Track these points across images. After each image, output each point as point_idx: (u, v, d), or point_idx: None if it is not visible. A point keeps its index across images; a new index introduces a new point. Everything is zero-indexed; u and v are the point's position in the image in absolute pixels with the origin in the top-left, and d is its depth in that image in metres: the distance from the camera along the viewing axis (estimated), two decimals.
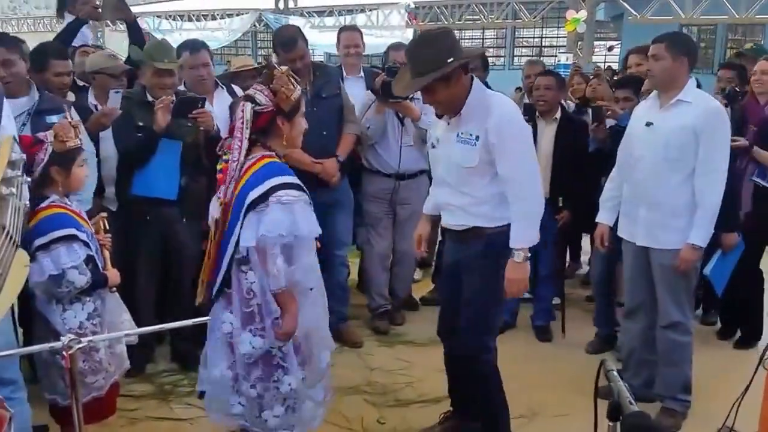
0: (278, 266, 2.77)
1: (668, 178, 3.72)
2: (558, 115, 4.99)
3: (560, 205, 4.99)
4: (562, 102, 5.27)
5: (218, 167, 2.89)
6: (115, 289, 3.34)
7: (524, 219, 3.23)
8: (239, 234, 2.78)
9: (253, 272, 2.83)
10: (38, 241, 3.02)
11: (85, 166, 3.34)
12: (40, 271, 3.02)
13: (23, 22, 21.37)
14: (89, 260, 3.16)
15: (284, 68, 2.89)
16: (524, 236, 3.24)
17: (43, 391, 3.28)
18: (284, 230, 2.74)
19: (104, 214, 3.54)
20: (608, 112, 4.91)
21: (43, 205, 3.11)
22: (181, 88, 4.59)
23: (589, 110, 5.21)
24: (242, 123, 2.78)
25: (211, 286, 2.96)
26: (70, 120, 3.25)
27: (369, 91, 5.01)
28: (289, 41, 4.61)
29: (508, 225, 3.25)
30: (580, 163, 4.90)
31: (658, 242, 3.80)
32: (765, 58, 4.96)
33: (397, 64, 4.81)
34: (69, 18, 5.77)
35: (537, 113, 4.97)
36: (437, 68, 3.10)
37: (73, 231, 3.11)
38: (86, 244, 3.17)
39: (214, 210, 2.92)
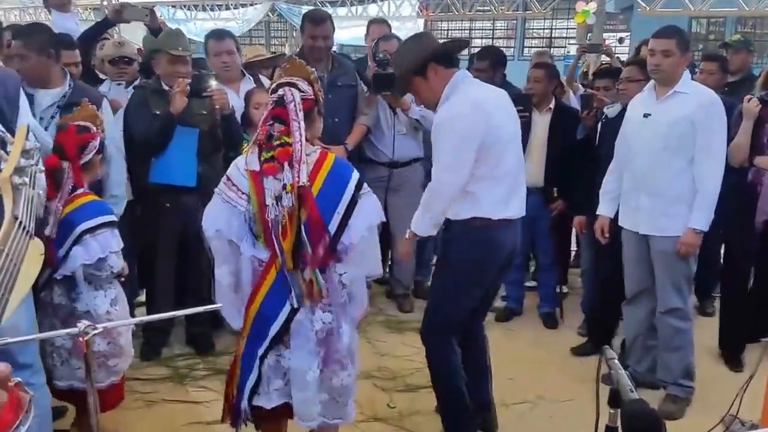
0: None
1: (668, 167, 3.81)
2: (552, 105, 5.07)
3: (554, 195, 5.08)
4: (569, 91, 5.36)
5: (269, 154, 2.76)
6: (123, 279, 3.40)
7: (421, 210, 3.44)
8: (340, 225, 2.81)
9: (341, 264, 2.86)
10: (85, 225, 3.10)
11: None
12: (88, 253, 3.10)
13: (41, 11, 21.39)
14: None
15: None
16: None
17: (58, 379, 3.27)
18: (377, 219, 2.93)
19: None
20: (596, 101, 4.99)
21: (80, 191, 3.18)
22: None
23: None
24: (295, 106, 2.77)
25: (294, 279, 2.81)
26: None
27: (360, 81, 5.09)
28: (319, 17, 4.79)
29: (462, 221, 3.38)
30: (573, 153, 4.96)
31: (660, 230, 3.87)
32: None
33: (388, 55, 4.89)
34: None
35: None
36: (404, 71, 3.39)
37: (114, 217, 3.23)
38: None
39: (273, 191, 2.75)
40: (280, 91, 2.81)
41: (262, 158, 2.77)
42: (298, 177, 2.70)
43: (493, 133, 3.25)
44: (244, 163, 2.82)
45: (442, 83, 3.31)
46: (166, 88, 4.35)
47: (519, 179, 3.48)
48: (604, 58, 8.08)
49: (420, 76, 3.33)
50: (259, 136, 2.82)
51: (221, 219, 2.81)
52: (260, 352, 2.84)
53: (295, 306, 2.80)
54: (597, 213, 4.24)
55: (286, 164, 2.73)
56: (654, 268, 3.98)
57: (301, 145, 2.75)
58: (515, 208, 3.43)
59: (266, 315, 2.82)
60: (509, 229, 3.43)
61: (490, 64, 5.47)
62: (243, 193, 2.78)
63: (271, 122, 2.79)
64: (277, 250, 2.74)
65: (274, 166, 2.74)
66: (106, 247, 3.13)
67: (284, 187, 2.72)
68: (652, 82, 3.97)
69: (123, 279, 3.38)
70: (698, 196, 3.77)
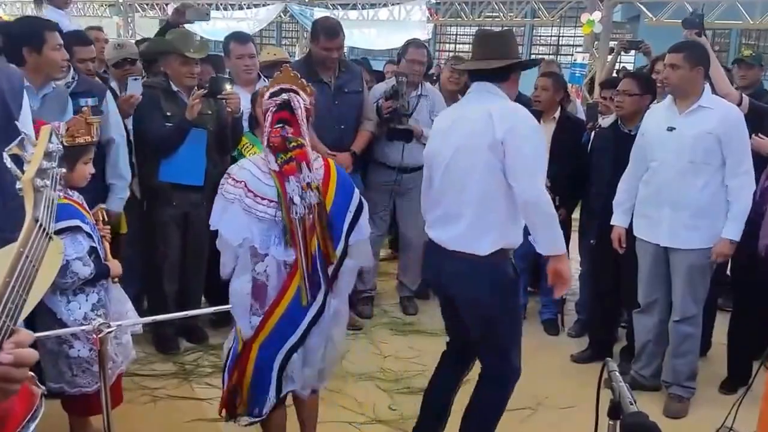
0: None
1: (694, 181, 3.88)
2: (557, 114, 5.11)
3: (556, 204, 5.10)
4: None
5: (287, 156, 2.85)
6: (117, 280, 3.28)
7: None
8: (351, 227, 3.02)
9: (348, 258, 3.05)
10: None
11: (90, 164, 3.23)
12: None
13: (27, 6, 21.44)
14: (92, 251, 3.13)
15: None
16: None
17: (48, 382, 3.13)
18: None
19: (102, 206, 3.49)
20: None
21: None
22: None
23: None
24: (302, 111, 2.88)
25: (316, 278, 2.95)
26: (85, 116, 3.21)
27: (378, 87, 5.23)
28: (333, 30, 4.84)
29: None
30: (577, 162, 5.00)
31: (682, 242, 3.95)
32: None
33: (407, 106, 5.06)
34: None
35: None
36: None
37: (78, 222, 3.06)
38: (89, 236, 3.12)
39: (297, 191, 2.86)
40: (284, 96, 2.89)
41: (280, 160, 2.85)
42: (317, 179, 2.90)
43: (428, 155, 3.36)
44: (263, 167, 2.90)
45: None
46: (176, 89, 4.41)
47: (448, 208, 3.20)
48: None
49: None
50: (273, 140, 2.87)
51: (244, 227, 2.84)
52: (283, 350, 2.94)
53: (308, 302, 2.94)
54: (612, 223, 4.28)
55: (304, 164, 2.86)
56: (672, 279, 4.05)
57: (310, 147, 2.92)
58: (433, 232, 3.28)
59: (295, 314, 2.93)
60: (430, 251, 3.36)
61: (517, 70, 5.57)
62: (265, 200, 2.85)
63: (280, 125, 2.87)
64: (302, 248, 2.85)
65: (293, 166, 2.84)
66: (64, 254, 2.94)
67: (309, 185, 2.86)
68: (669, 96, 4.03)
69: (116, 281, 3.28)
70: (733, 207, 3.86)
